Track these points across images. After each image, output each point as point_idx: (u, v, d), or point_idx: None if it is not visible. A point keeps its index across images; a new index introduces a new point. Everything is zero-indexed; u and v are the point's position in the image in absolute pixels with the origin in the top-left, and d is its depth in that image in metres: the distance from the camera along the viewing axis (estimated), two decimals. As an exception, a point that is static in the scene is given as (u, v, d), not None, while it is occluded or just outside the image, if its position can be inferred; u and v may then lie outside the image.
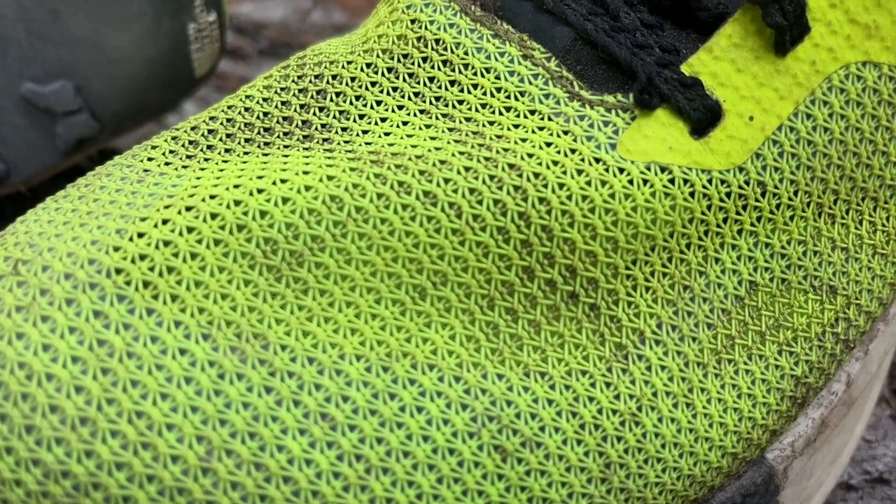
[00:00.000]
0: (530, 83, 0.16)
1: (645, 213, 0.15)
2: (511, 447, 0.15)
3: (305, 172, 0.15)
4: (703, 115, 0.16)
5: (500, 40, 0.17)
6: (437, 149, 0.16)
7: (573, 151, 0.16)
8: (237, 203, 0.15)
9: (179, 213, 0.15)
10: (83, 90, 0.24)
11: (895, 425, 0.24)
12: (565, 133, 0.16)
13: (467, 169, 0.15)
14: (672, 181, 0.15)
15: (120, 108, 0.24)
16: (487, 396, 0.15)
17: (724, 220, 0.16)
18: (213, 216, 0.15)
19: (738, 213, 0.16)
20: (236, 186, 0.15)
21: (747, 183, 0.16)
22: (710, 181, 0.16)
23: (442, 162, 0.15)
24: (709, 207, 0.16)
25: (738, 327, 0.16)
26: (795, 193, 0.16)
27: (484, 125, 0.16)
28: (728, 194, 0.16)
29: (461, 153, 0.16)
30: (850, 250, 0.17)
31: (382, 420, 0.14)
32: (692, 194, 0.16)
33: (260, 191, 0.15)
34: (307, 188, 0.15)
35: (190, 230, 0.14)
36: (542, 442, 0.15)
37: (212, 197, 0.15)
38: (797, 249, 0.17)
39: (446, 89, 0.17)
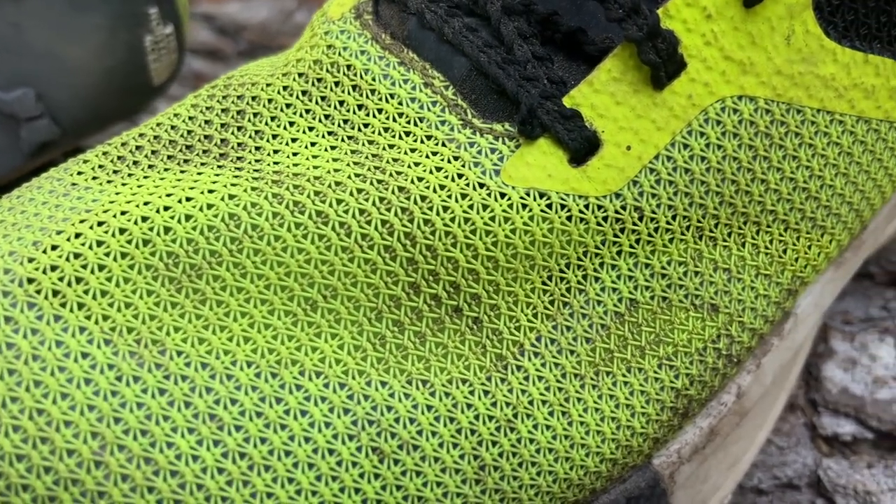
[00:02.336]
0: (429, 110, 0.18)
1: (524, 235, 0.17)
2: (388, 449, 0.16)
3: (210, 191, 0.17)
4: (580, 145, 0.17)
5: (406, 68, 0.18)
6: (336, 170, 0.17)
7: (460, 176, 0.17)
8: (144, 219, 0.16)
9: (91, 227, 0.16)
10: (44, 97, 0.25)
11: (807, 433, 0.25)
12: (455, 158, 0.17)
13: (359, 191, 0.17)
14: (550, 206, 0.17)
15: (80, 115, 0.26)
16: (369, 402, 0.16)
17: (603, 242, 0.17)
18: (122, 231, 0.16)
19: (615, 235, 0.17)
20: (146, 203, 0.16)
21: (624, 208, 0.17)
22: (586, 206, 0.17)
23: (337, 184, 0.17)
24: (586, 230, 0.17)
25: (618, 342, 0.18)
26: (674, 218, 0.17)
27: (384, 148, 0.17)
28: (605, 218, 0.17)
29: (357, 175, 0.17)
30: (732, 271, 0.18)
31: (267, 422, 0.15)
32: (569, 218, 0.17)
33: (166, 208, 0.16)
34: (209, 206, 0.16)
35: (99, 244, 0.16)
36: (419, 445, 0.16)
37: (122, 213, 0.16)
38: (678, 270, 0.18)
39: (354, 113, 0.18)
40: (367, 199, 0.16)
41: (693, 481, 0.20)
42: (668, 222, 0.17)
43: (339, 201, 0.16)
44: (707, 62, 0.17)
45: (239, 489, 0.15)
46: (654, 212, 0.17)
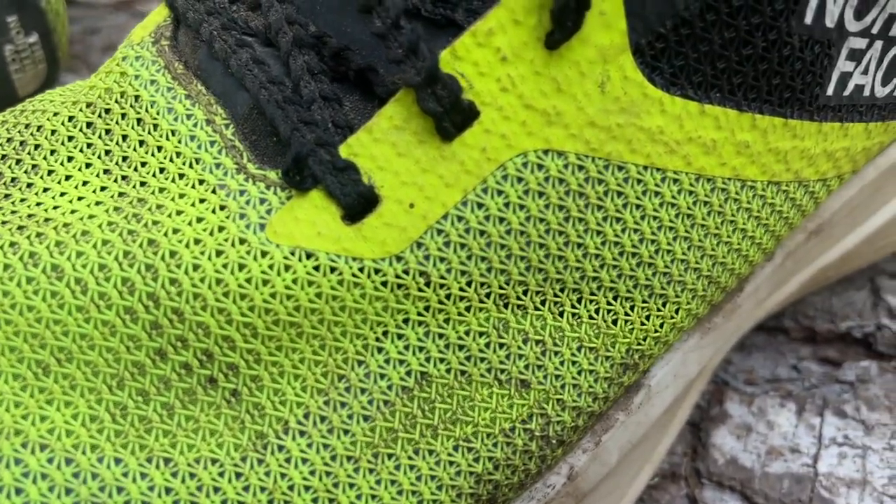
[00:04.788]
0: (206, 150, 0.16)
1: (286, 300, 0.15)
2: (112, 536, 0.14)
3: (-54, 235, 0.15)
4: (354, 201, 0.15)
5: (191, 101, 0.16)
6: (90, 217, 0.15)
7: (221, 230, 0.15)
8: None
9: None
10: None
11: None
12: (222, 208, 0.15)
13: (105, 242, 0.15)
14: (317, 268, 0.15)
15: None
16: (97, 481, 0.14)
17: (385, 309, 0.15)
18: None
19: (399, 302, 0.15)
20: None
21: (406, 272, 0.15)
22: (361, 270, 0.15)
23: (84, 233, 0.15)
24: (363, 296, 0.15)
25: (404, 420, 0.16)
26: (469, 284, 0.15)
27: (154, 192, 0.16)
28: (384, 283, 0.15)
29: (109, 224, 0.15)
30: (547, 343, 0.16)
31: (-28, 501, 0.14)
32: (340, 283, 0.15)
33: None
34: (-65, 254, 0.15)
35: None
36: (150, 533, 0.14)
37: None
38: (478, 341, 0.16)
39: (135, 150, 0.16)
40: (109, 253, 0.15)
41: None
42: (461, 289, 0.15)
43: (79, 254, 0.15)
44: (504, 111, 0.15)
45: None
46: (443, 277, 0.15)
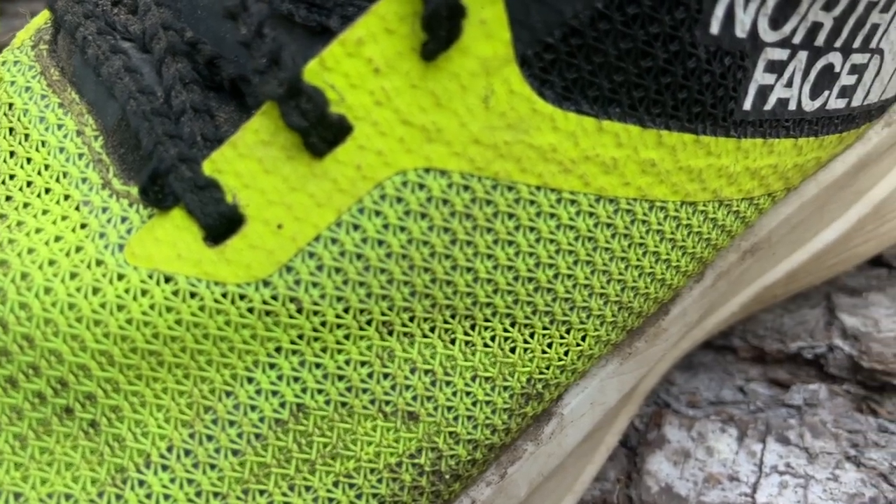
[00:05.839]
0: (74, 164, 0.15)
1: (143, 326, 0.14)
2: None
3: None
4: (215, 221, 0.14)
5: (64, 111, 0.15)
6: (-55, 234, 0.14)
7: (79, 250, 0.14)
8: None
9: None
10: None
11: (617, 537, 0.21)
12: (83, 227, 0.14)
13: (-46, 262, 0.14)
14: (176, 293, 0.14)
15: None
16: (-62, 518, 0.13)
17: (253, 337, 0.14)
18: None
19: (268, 330, 0.14)
20: None
21: (275, 298, 0.14)
22: (224, 295, 0.14)
23: (-67, 252, 0.14)
24: (227, 323, 0.14)
25: (277, 454, 0.15)
26: (346, 311, 0.14)
27: (19, 208, 0.15)
28: (250, 310, 0.14)
29: (-39, 243, 0.14)
30: (437, 373, 0.15)
31: None
32: (202, 308, 0.14)
33: None
34: None
35: None
36: (-6, 573, 0.13)
37: None
38: (360, 371, 0.15)
39: (5, 161, 0.15)
40: (-43, 274, 0.14)
41: None
42: (338, 316, 0.14)
43: (-75, 274, 0.14)
44: (379, 126, 0.14)
45: None
46: (316, 303, 0.14)
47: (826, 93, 0.17)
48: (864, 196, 0.21)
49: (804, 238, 0.21)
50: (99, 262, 0.14)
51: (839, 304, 0.25)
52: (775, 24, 0.15)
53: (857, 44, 0.16)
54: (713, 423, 0.23)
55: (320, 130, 0.13)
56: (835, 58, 0.16)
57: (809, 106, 0.17)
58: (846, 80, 0.17)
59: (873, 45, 0.17)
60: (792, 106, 0.16)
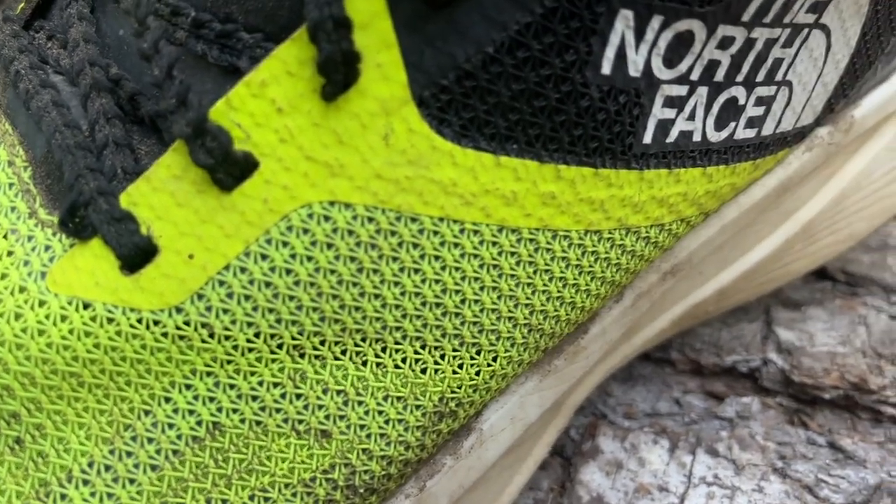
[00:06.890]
0: (4, 193, 0.16)
1: (62, 350, 0.15)
2: None
3: None
4: (130, 252, 0.14)
5: (-3, 141, 0.16)
6: None
7: (3, 277, 0.15)
8: None
9: None
10: None
11: (548, 545, 0.22)
12: (10, 254, 0.15)
13: None
14: (94, 319, 0.15)
15: None
16: None
17: (168, 360, 0.15)
18: None
19: (182, 353, 0.15)
20: None
21: (187, 323, 0.15)
22: (139, 321, 0.15)
23: None
24: (143, 347, 0.15)
25: (195, 469, 0.15)
26: (257, 336, 0.15)
27: (-48, 235, 0.16)
28: (164, 335, 0.15)
29: None
30: (349, 393, 0.16)
31: None
32: (118, 333, 0.15)
33: None
34: None
35: None
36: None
37: None
38: (273, 392, 0.16)
39: (-57, 189, 0.16)
40: None
41: None
42: (249, 340, 0.15)
43: None
44: (284, 162, 0.14)
45: None
46: (227, 328, 0.15)
47: (732, 124, 0.17)
48: (792, 217, 0.22)
49: (731, 257, 0.22)
50: (22, 289, 0.15)
51: (777, 318, 0.25)
52: (669, 63, 0.15)
53: (760, 77, 0.17)
54: (646, 434, 0.23)
55: (226, 167, 0.14)
56: (738, 91, 0.17)
57: (715, 137, 0.17)
58: (753, 111, 0.18)
59: (779, 77, 0.18)
60: (696, 137, 0.17)
